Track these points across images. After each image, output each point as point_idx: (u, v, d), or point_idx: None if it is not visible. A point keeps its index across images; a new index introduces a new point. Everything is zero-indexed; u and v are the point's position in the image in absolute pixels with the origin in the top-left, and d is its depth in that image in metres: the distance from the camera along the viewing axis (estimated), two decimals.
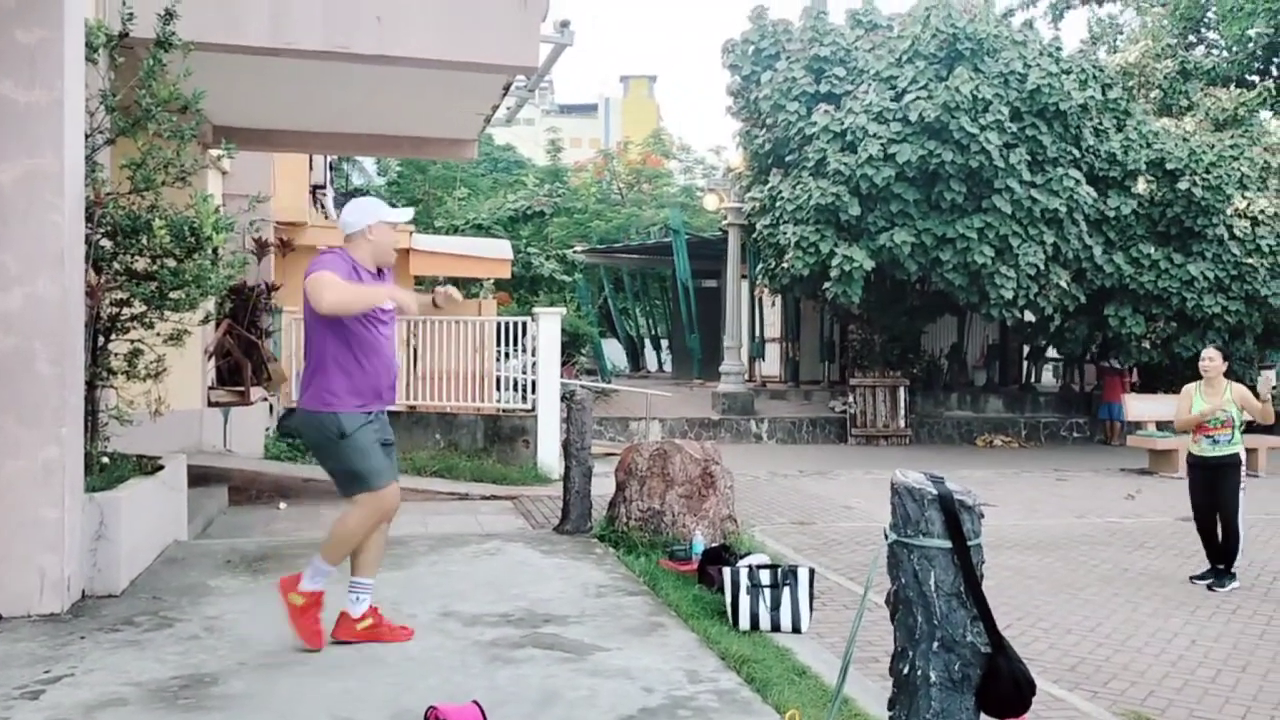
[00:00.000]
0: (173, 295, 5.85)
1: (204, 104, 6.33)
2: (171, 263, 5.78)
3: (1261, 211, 16.56)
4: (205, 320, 7.02)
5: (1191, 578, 7.41)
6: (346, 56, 6.85)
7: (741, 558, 5.91)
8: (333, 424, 4.42)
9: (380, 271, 4.66)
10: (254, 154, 11.09)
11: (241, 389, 10.16)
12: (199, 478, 8.27)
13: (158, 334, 6.09)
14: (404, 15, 6.75)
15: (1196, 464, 7.43)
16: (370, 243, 4.60)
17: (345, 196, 25.17)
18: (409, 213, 4.74)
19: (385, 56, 6.86)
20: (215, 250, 6.03)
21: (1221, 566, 7.29)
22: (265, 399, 10.89)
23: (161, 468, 6.37)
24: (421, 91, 8.16)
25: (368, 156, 24.03)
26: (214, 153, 9.69)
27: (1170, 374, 17.05)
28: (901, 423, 17.37)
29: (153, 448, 6.79)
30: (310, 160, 15.18)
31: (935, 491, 2.75)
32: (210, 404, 9.92)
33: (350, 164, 25.87)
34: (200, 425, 9.77)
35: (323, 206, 18.19)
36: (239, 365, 10.24)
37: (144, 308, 5.90)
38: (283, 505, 9.07)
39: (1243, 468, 7.34)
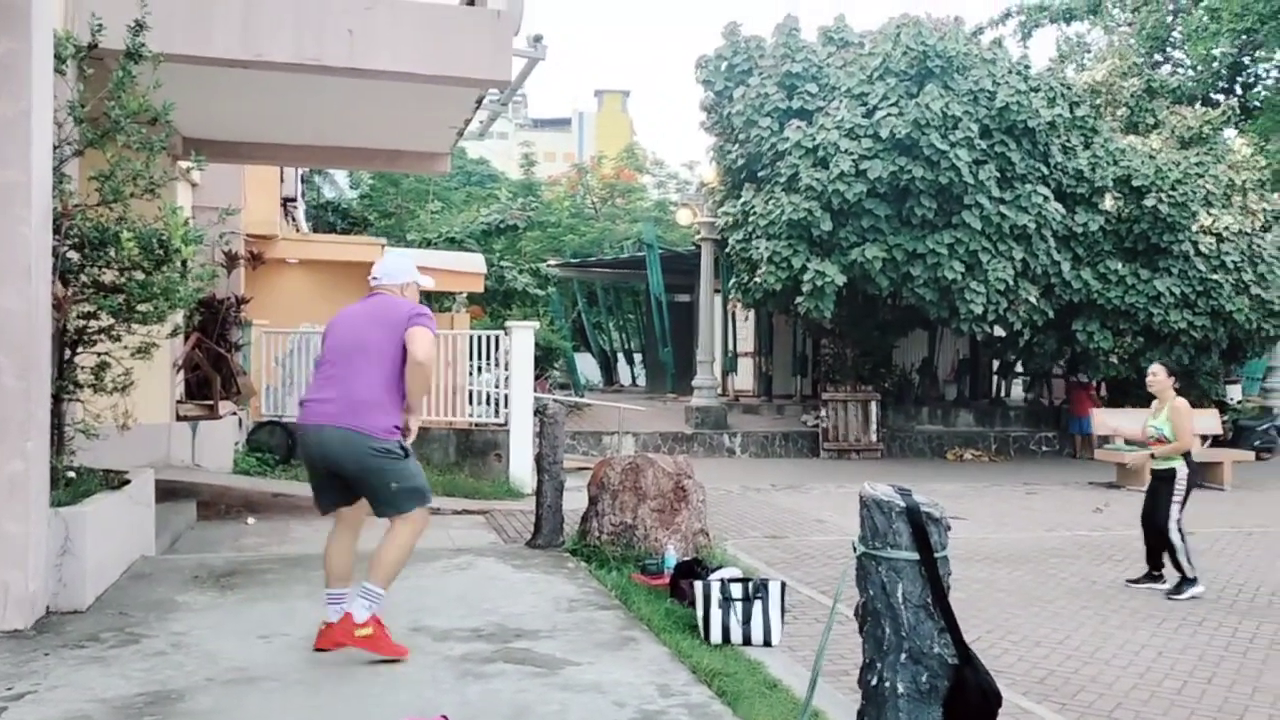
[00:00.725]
0: (141, 308, 5.81)
1: (174, 116, 6.29)
2: (140, 275, 5.74)
3: (1226, 228, 16.79)
4: (174, 333, 6.97)
5: (1128, 581, 7.61)
6: (318, 69, 6.84)
7: (713, 571, 5.91)
8: (397, 444, 4.64)
9: None
10: (224, 166, 11.04)
11: (210, 403, 10.09)
12: (167, 492, 8.18)
13: (125, 347, 6.03)
14: (376, 28, 6.75)
15: (1152, 474, 7.69)
16: (405, 299, 4.92)
17: (317, 210, 25.12)
18: (429, 282, 5.14)
19: (357, 69, 6.86)
20: (184, 263, 5.99)
21: (1160, 573, 7.51)
22: (234, 413, 10.82)
23: (128, 482, 6.31)
24: (394, 104, 8.15)
25: (340, 169, 23.93)
26: (184, 165, 9.64)
27: (1138, 388, 17.17)
28: (873, 436, 17.45)
29: (120, 462, 6.72)
30: (281, 173, 15.11)
31: (903, 504, 2.77)
32: (179, 418, 9.84)
33: (322, 177, 25.75)
34: (168, 439, 9.67)
35: (294, 219, 18.09)
36: (208, 379, 10.17)
37: (111, 320, 5.85)
38: (251, 520, 8.99)
39: (1178, 482, 7.40)
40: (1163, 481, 7.46)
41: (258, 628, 5.09)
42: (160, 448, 9.52)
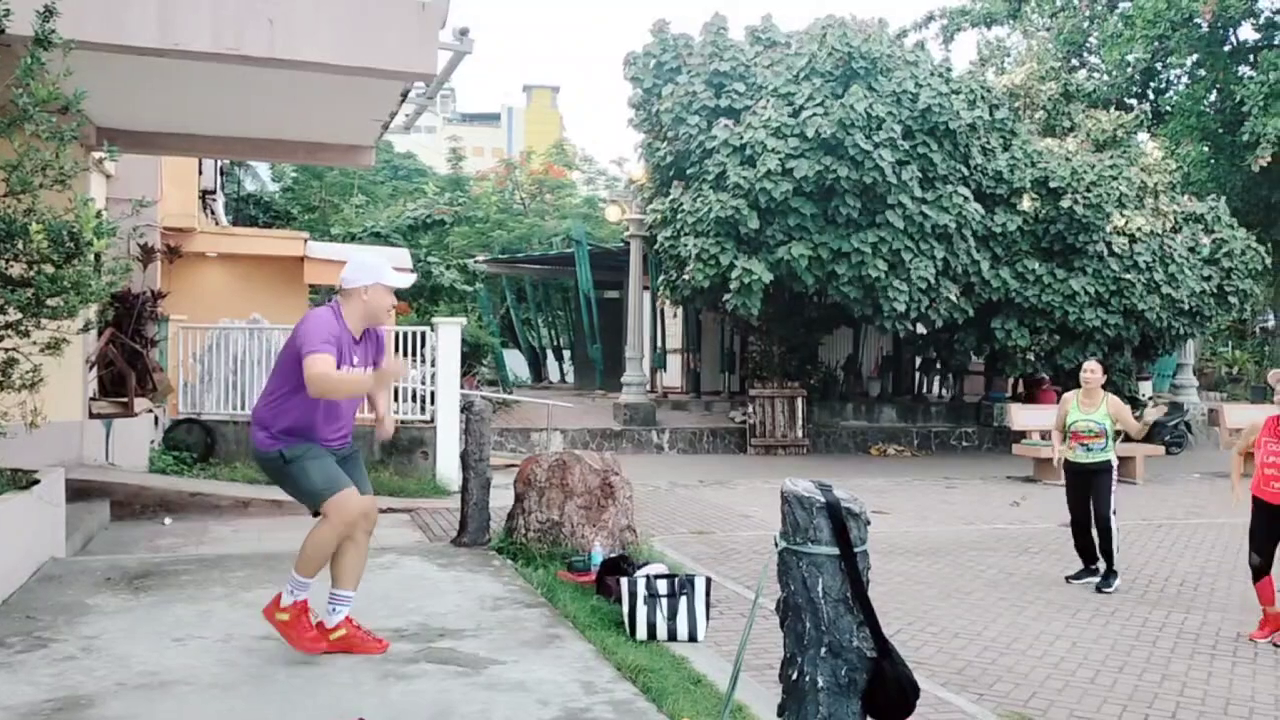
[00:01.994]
0: (50, 302, 5.62)
1: (86, 104, 6.10)
2: (49, 268, 5.56)
3: (1139, 229, 17.29)
4: (86, 328, 6.77)
5: (1068, 578, 7.76)
6: (237, 59, 6.67)
7: (640, 568, 5.93)
8: (275, 456, 4.55)
9: (365, 332, 4.73)
10: (140, 157, 10.73)
11: (125, 400, 9.81)
12: (79, 492, 7.96)
13: (34, 342, 5.84)
14: (297, 18, 6.61)
15: (1070, 470, 7.83)
16: (364, 303, 4.63)
17: (238, 203, 24.59)
18: (410, 279, 4.82)
19: (277, 60, 6.70)
20: (97, 256, 5.82)
21: (1098, 566, 7.66)
22: (150, 410, 10.54)
23: (37, 482, 6.12)
24: (316, 96, 8.00)
25: (261, 161, 23.44)
26: (97, 155, 9.35)
27: (1054, 385, 17.72)
28: (799, 432, 17.64)
29: (28, 461, 6.52)
30: (200, 164, 14.75)
31: (823, 500, 2.80)
32: (91, 415, 9.55)
33: (243, 169, 25.21)
34: (81, 437, 9.39)
35: (213, 212, 17.68)
36: (122, 375, 9.89)
37: (19, 315, 5.65)
38: (168, 520, 8.78)
39: (1113, 473, 7.69)
40: (1102, 474, 7.65)
41: (172, 630, 4.97)
42: (72, 446, 9.24)
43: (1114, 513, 7.58)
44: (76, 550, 7.13)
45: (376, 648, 4.69)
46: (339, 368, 4.46)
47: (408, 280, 4.89)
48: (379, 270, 4.69)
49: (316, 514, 4.59)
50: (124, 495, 9.07)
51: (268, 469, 4.68)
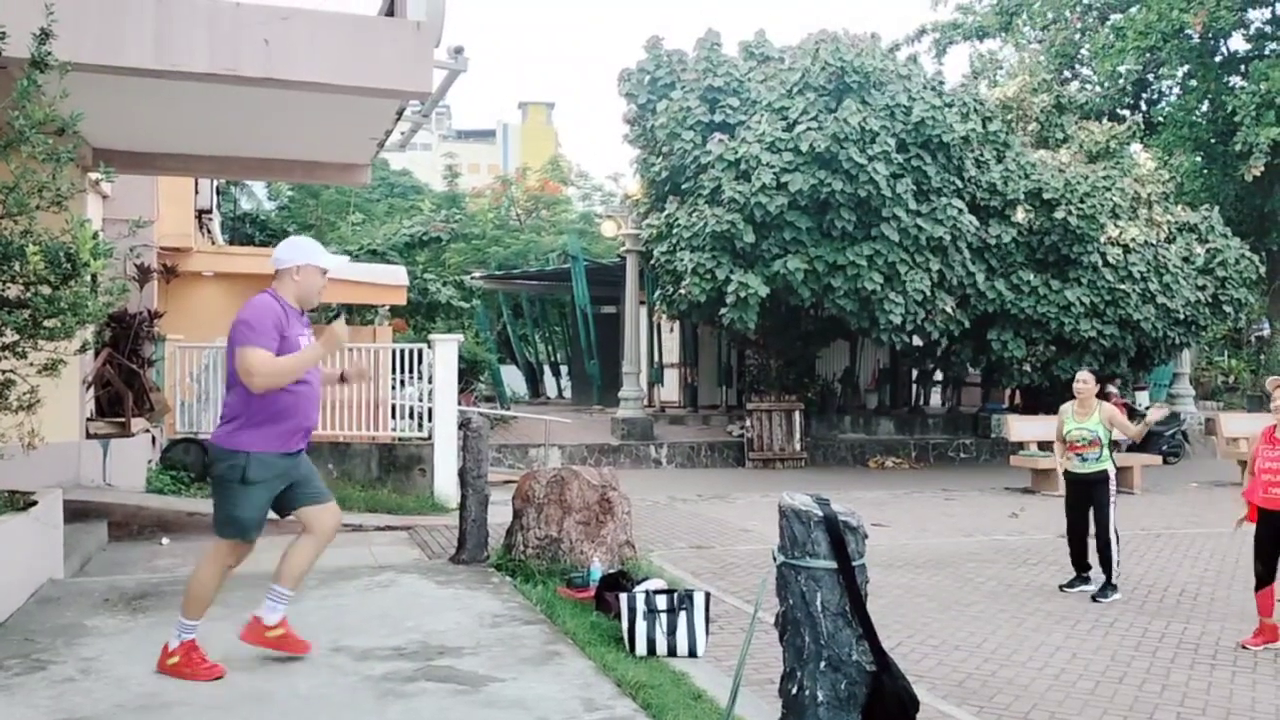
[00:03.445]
0: (47, 324, 5.62)
1: (83, 126, 6.11)
2: (46, 290, 5.56)
3: (1133, 240, 17.34)
4: (83, 349, 6.77)
5: (1061, 586, 7.78)
6: (233, 79, 6.70)
7: (639, 583, 5.92)
8: (239, 465, 4.46)
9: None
10: (137, 178, 10.77)
11: (122, 420, 9.82)
12: (76, 513, 7.93)
13: (31, 364, 5.84)
14: (293, 38, 6.64)
15: (1068, 480, 7.89)
16: (296, 283, 4.64)
17: (234, 222, 24.61)
18: (341, 259, 4.75)
19: (273, 80, 6.74)
20: (94, 277, 5.82)
21: (1089, 575, 7.71)
22: (147, 430, 10.53)
23: (35, 503, 6.11)
24: (312, 115, 8.03)
25: (257, 181, 23.49)
26: (93, 176, 9.37)
27: (1050, 395, 17.70)
28: (797, 446, 17.64)
29: (26, 482, 6.50)
30: (196, 184, 14.78)
31: (821, 514, 2.81)
32: (89, 436, 9.54)
33: (239, 188, 25.25)
34: (78, 458, 9.37)
35: (209, 231, 17.71)
36: (120, 395, 9.90)
37: (16, 337, 5.65)
38: (165, 540, 8.75)
39: (1111, 483, 7.69)
40: (1099, 484, 7.66)
41: None
42: (70, 467, 9.23)
43: (1115, 528, 7.59)
44: (74, 571, 7.10)
45: (302, 648, 4.76)
46: (294, 347, 4.49)
47: (339, 260, 4.86)
48: (311, 251, 4.72)
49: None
50: (122, 516, 9.05)
51: (217, 470, 4.55)
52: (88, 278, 5.73)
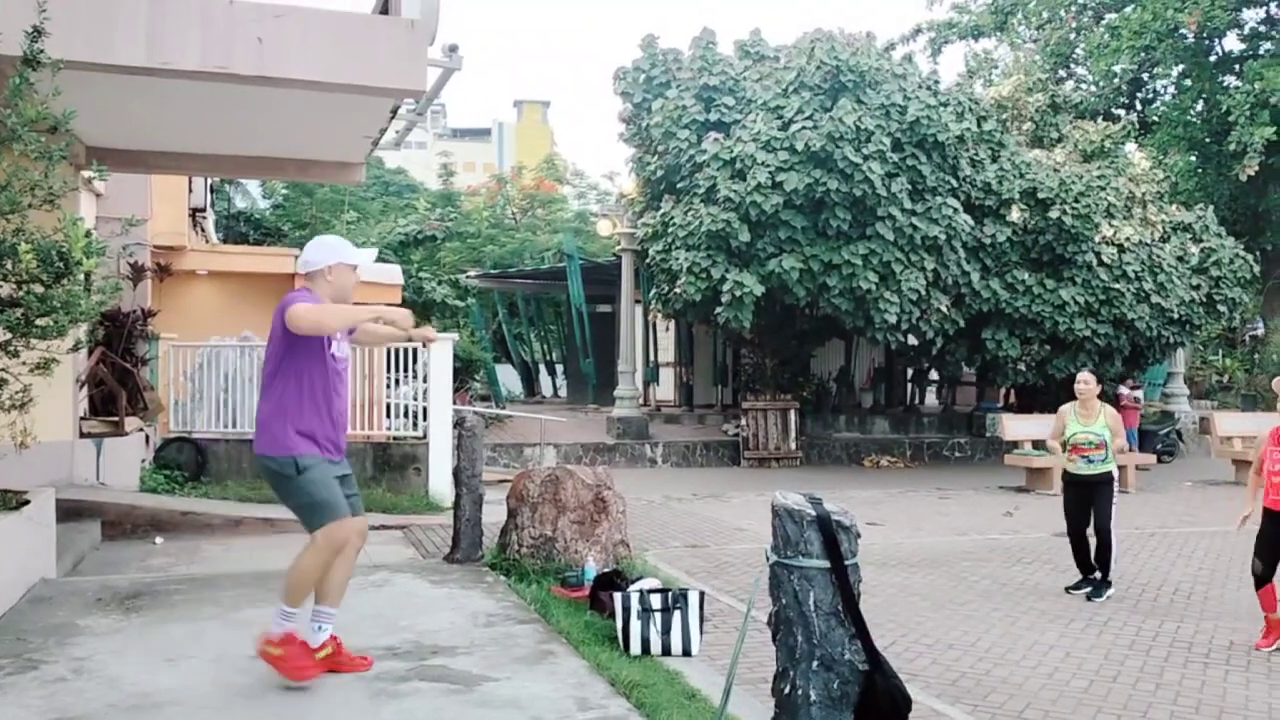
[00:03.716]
0: (40, 322, 5.60)
1: (75, 124, 6.10)
2: (39, 288, 5.55)
3: (1127, 239, 17.37)
4: (75, 348, 6.74)
5: (1067, 588, 7.75)
6: (226, 77, 6.68)
7: (633, 582, 5.91)
8: (289, 464, 4.42)
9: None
10: (130, 176, 10.74)
11: (116, 419, 9.79)
12: (70, 512, 7.92)
13: (23, 363, 5.82)
14: (286, 36, 6.62)
15: (1071, 481, 7.85)
16: (329, 284, 4.60)
17: (228, 220, 24.57)
18: (371, 254, 4.64)
19: (266, 78, 6.72)
20: (87, 275, 5.81)
21: (1096, 576, 7.66)
22: (141, 429, 10.51)
23: (27, 502, 6.09)
24: (305, 114, 8.01)
25: (251, 179, 23.44)
26: (86, 174, 9.35)
27: (1045, 395, 17.75)
28: (793, 445, 17.65)
29: (19, 481, 6.48)
30: (190, 182, 14.75)
31: (814, 513, 2.81)
32: (82, 435, 9.52)
33: (233, 186, 25.21)
34: (71, 457, 9.35)
35: (203, 230, 17.67)
36: (113, 394, 9.88)
37: (9, 335, 5.64)
38: (159, 540, 8.73)
39: (1115, 484, 7.71)
40: (1103, 485, 7.67)
41: (164, 651, 4.95)
42: (63, 466, 9.21)
43: (1114, 524, 7.60)
44: (67, 571, 7.09)
45: (362, 665, 4.67)
46: (327, 348, 4.48)
47: (369, 255, 4.81)
48: (339, 249, 4.70)
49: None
50: (115, 515, 9.03)
51: (274, 477, 4.52)
52: (80, 276, 5.72)
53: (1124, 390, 18.04)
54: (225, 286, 15.29)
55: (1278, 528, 6.20)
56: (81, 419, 9.66)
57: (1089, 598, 7.45)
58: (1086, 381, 7.91)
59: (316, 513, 4.48)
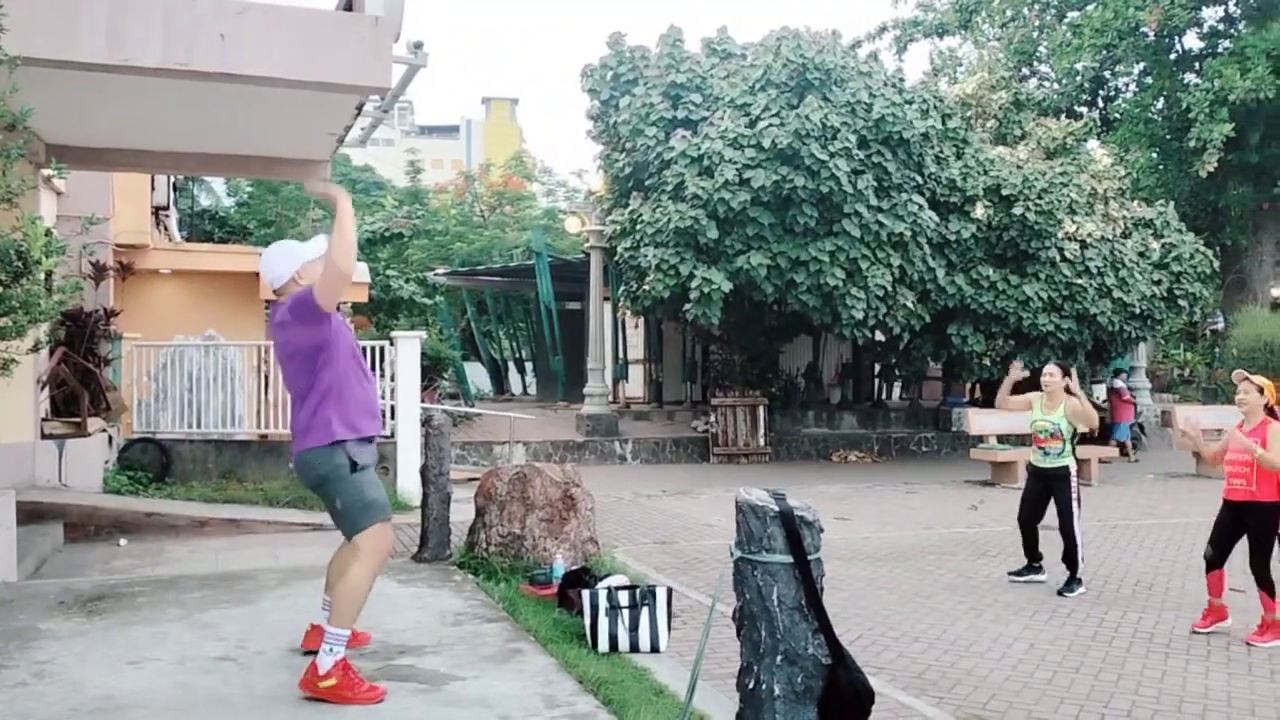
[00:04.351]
0: None
1: (34, 121, 6.02)
2: None
3: (1089, 235, 17.57)
4: (35, 348, 6.67)
5: (1010, 574, 7.92)
6: (188, 74, 6.61)
7: (602, 579, 5.92)
8: (342, 456, 4.32)
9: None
10: (91, 174, 10.60)
11: (78, 419, 9.68)
12: (31, 514, 7.83)
13: None
14: (249, 33, 6.56)
15: (1031, 473, 8.01)
16: (303, 285, 4.47)
17: (193, 218, 24.32)
18: (321, 241, 4.53)
19: (229, 74, 6.65)
20: (47, 274, 5.75)
21: (1039, 564, 7.87)
22: (104, 430, 10.39)
23: None
24: (269, 111, 7.94)
25: (215, 176, 23.21)
26: (45, 172, 9.22)
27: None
28: (761, 441, 17.72)
29: None
30: (152, 180, 14.59)
31: (777, 508, 2.83)
32: (44, 436, 9.41)
33: (197, 184, 24.95)
34: (33, 459, 9.23)
35: (166, 229, 17.48)
36: (75, 395, 9.76)
37: None
38: (123, 541, 8.65)
39: (1073, 479, 7.77)
40: (1061, 480, 7.73)
41: (127, 654, 4.90)
42: (24, 467, 9.09)
43: (1078, 520, 7.68)
44: (29, 574, 7.00)
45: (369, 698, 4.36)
46: (341, 330, 4.46)
47: (321, 242, 4.57)
48: (295, 252, 4.61)
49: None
50: (78, 516, 8.93)
51: (323, 477, 4.36)
52: (40, 275, 5.66)
53: (1119, 384, 18.30)
54: (189, 285, 15.13)
55: (1233, 517, 6.38)
56: (43, 420, 9.54)
57: (1060, 593, 7.50)
58: (1052, 374, 8.02)
59: (367, 512, 4.39)
